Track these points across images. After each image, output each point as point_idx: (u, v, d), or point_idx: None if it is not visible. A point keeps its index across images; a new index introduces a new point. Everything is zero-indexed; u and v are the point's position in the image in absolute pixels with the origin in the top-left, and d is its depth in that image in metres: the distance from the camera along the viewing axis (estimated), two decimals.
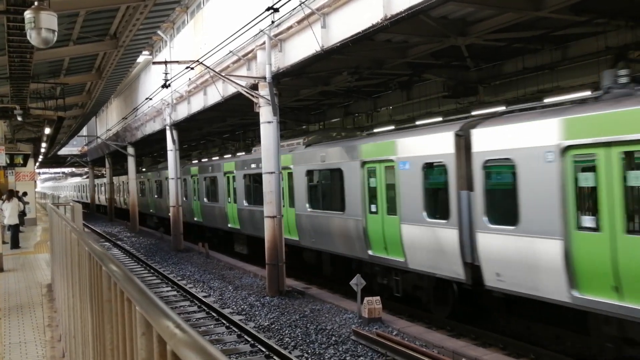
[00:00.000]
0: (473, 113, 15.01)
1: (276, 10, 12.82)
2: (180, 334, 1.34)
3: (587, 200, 8.42)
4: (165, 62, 18.16)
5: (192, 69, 17.33)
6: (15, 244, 18.97)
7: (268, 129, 14.97)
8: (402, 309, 12.83)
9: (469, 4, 10.63)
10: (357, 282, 12.21)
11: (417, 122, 17.33)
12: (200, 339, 1.26)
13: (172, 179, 25.65)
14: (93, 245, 3.28)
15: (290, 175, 17.30)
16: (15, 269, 14.55)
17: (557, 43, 13.57)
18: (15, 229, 19.11)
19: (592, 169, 8.17)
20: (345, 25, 11.49)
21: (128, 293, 2.00)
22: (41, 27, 7.55)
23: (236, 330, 11.96)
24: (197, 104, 21.57)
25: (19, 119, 17.56)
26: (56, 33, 7.91)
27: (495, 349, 9.97)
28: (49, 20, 7.71)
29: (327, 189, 16.02)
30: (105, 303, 2.64)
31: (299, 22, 13.11)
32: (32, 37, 7.76)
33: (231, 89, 16.89)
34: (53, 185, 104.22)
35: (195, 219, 26.69)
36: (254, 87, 15.17)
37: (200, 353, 1.19)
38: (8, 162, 24.07)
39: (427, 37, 12.59)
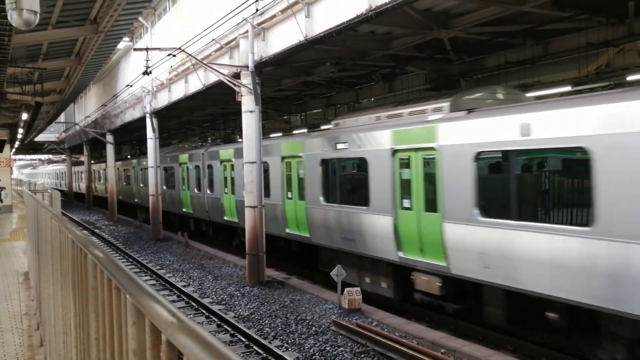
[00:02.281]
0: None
1: None
2: (176, 322, 1.32)
3: (406, 188, 11.50)
4: (147, 49, 17.94)
5: (174, 56, 17.14)
6: None
7: (250, 118, 14.89)
8: (382, 300, 12.89)
9: None
10: (337, 272, 12.24)
11: None
12: (196, 327, 1.25)
13: (152, 167, 25.42)
14: (76, 232, 3.23)
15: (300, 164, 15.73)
16: None
17: (539, 38, 13.67)
18: None
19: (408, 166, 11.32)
20: (330, 15, 11.43)
21: (117, 281, 1.96)
22: (23, 8, 7.37)
23: (216, 320, 11.94)
24: (178, 92, 21.36)
25: None
26: (38, 15, 7.74)
27: (474, 340, 10.08)
28: (31, 0, 7.54)
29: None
30: (90, 291, 2.60)
31: (282, 11, 13.02)
32: (13, 18, 7.57)
33: (213, 78, 16.74)
34: (30, 172, 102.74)
35: (226, 217, 21.00)
36: (236, 75, 15.06)
37: (199, 341, 1.18)
38: None
39: (410, 29, 12.59)
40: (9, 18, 7.75)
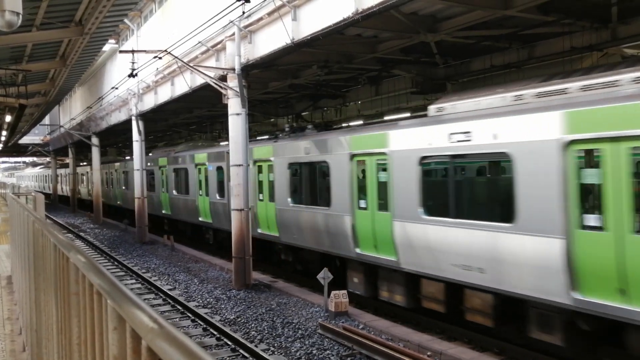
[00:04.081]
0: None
1: (247, 0, 12.69)
2: (157, 328, 1.30)
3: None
4: (133, 51, 17.83)
5: (160, 58, 17.06)
6: None
7: (236, 120, 14.84)
8: (368, 303, 12.89)
9: (439, 0, 10.70)
10: (324, 275, 12.23)
11: None
12: (178, 333, 1.23)
13: (137, 170, 25.26)
14: (58, 236, 3.19)
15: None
16: None
17: (524, 42, 13.78)
18: None
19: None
20: (317, 18, 11.44)
21: (98, 286, 1.93)
22: (5, 9, 7.29)
23: (202, 323, 11.86)
24: (164, 94, 21.26)
25: None
26: (20, 16, 7.66)
27: (460, 343, 10.10)
28: (13, 2, 7.46)
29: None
30: (72, 296, 2.56)
31: (269, 13, 13.01)
32: None
33: (199, 80, 16.68)
34: (16, 175, 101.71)
35: (260, 230, 17.06)
36: (223, 78, 15.01)
37: (179, 348, 1.16)
38: None
39: (397, 32, 12.63)
40: None
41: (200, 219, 21.84)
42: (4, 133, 29.27)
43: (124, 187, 33.53)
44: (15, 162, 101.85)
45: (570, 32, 12.39)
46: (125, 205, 33.43)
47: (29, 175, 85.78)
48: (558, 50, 13.17)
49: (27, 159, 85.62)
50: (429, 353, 9.48)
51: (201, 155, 21.43)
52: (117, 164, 35.50)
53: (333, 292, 11.92)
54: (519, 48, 14.06)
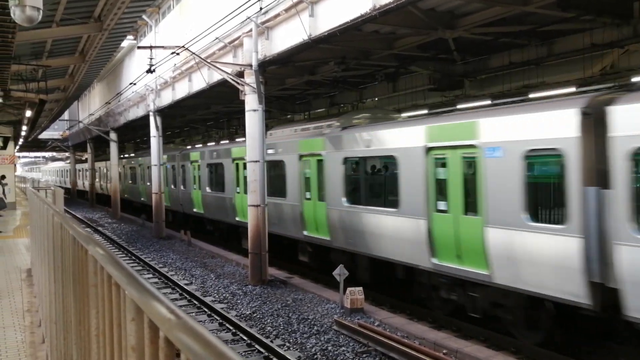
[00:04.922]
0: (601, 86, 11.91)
1: None
2: (174, 319, 1.31)
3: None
4: (151, 47, 17.94)
5: (178, 54, 17.14)
6: None
7: (253, 117, 14.89)
8: (384, 300, 12.87)
9: None
10: (339, 272, 12.23)
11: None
12: (194, 324, 1.24)
13: (155, 165, 25.46)
14: (77, 229, 3.23)
15: (319, 162, 14.81)
16: None
17: (543, 38, 13.64)
18: None
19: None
20: (334, 14, 11.42)
21: (116, 277, 1.96)
22: (26, 4, 7.38)
23: (218, 318, 11.93)
24: (182, 90, 21.37)
25: (0, 100, 17.25)
26: (41, 11, 7.74)
27: (476, 341, 10.06)
28: None
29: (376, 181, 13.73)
30: (90, 288, 2.59)
31: (286, 10, 13.01)
32: (16, 14, 7.59)
33: (216, 76, 16.75)
34: (42, 169, 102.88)
35: (307, 232, 15.63)
36: (240, 74, 15.06)
37: (196, 338, 1.17)
38: None
39: (414, 29, 12.57)
40: (12, 14, 7.76)
41: (237, 219, 20.11)
42: (25, 128, 29.61)
43: (208, 189, 30.23)
44: (35, 157, 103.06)
45: (591, 28, 12.24)
46: (212, 215, 26.78)
47: (48, 170, 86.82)
48: (578, 47, 13.02)
49: (47, 154, 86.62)
50: (444, 351, 9.45)
51: (239, 150, 19.32)
52: (141, 158, 33.86)
53: (349, 289, 11.92)
54: (538, 45, 13.92)
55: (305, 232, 15.55)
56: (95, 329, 2.55)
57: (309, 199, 15.37)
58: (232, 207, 20.39)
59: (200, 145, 29.05)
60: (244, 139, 17.06)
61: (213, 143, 29.04)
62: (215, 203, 22.29)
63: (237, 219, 20.05)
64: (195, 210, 24.76)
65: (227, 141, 26.76)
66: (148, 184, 29.62)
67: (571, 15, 11.29)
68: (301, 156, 15.61)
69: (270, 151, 16.58)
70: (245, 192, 16.46)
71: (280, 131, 17.92)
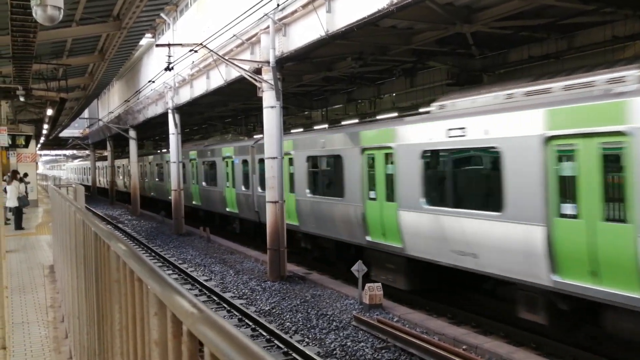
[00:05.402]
0: None
1: None
2: (197, 313, 1.33)
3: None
4: (169, 45, 18.08)
5: (196, 52, 17.23)
6: (18, 225, 19.08)
7: (271, 113, 14.92)
8: (403, 296, 12.85)
9: None
10: (358, 268, 12.23)
11: None
12: (217, 318, 1.25)
13: (174, 162, 25.65)
14: (99, 225, 3.27)
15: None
16: (17, 249, 14.57)
17: (563, 32, 13.48)
18: (18, 211, 19.22)
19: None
20: (351, 10, 11.40)
21: (139, 272, 1.98)
22: (47, 4, 7.47)
23: (237, 314, 12.01)
24: (200, 87, 21.50)
25: (22, 99, 17.51)
26: (62, 11, 7.83)
27: (496, 337, 10.00)
28: None
29: None
30: (113, 283, 2.63)
31: (303, 6, 13.02)
32: (38, 14, 7.69)
33: (234, 73, 16.82)
34: (66, 167, 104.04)
35: (370, 238, 13.48)
36: (257, 71, 15.10)
37: (219, 331, 1.18)
38: (10, 143, 23.99)
39: (432, 23, 12.50)
40: (33, 14, 7.87)
41: (368, 238, 14.94)
42: (46, 126, 30.00)
43: (204, 184, 27.84)
44: (56, 155, 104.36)
45: (612, 20, 12.06)
46: (208, 207, 26.98)
47: (70, 168, 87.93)
48: (599, 40, 12.84)
49: (67, 152, 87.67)
50: (464, 347, 9.41)
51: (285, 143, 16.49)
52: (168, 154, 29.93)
53: (367, 285, 11.92)
54: (557, 38, 13.76)
55: None
56: (118, 323, 2.58)
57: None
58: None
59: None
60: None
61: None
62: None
63: (368, 238, 13.78)
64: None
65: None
66: (207, 184, 25.49)
67: (592, 7, 11.14)
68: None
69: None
70: (388, 199, 12.80)
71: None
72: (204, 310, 1.32)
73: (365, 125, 14.54)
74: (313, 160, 15.97)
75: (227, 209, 22.33)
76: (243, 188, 21.12)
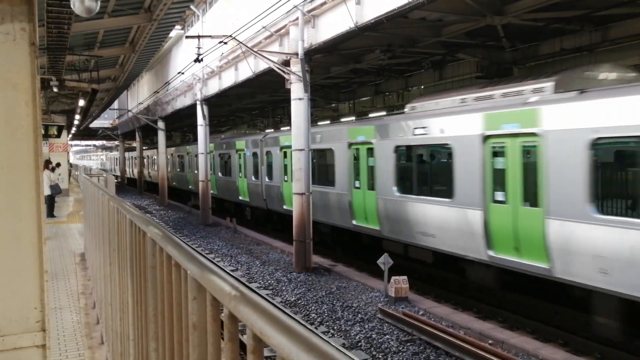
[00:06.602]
0: None
1: None
2: (238, 295, 1.35)
3: None
4: (199, 37, 18.19)
5: (225, 43, 17.32)
6: (50, 213, 19.49)
7: (299, 105, 14.95)
8: (428, 289, 12.81)
9: None
10: (384, 261, 12.23)
11: None
12: (259, 299, 1.28)
13: (202, 153, 25.89)
14: (135, 212, 3.33)
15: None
16: (49, 237, 14.88)
17: (597, 24, 13.22)
18: (50, 199, 19.61)
19: None
20: (380, 1, 11.33)
21: (176, 257, 2.02)
22: None
23: None
24: (228, 79, 21.62)
25: (55, 90, 17.82)
26: (99, 2, 7.97)
27: (523, 332, 9.92)
28: None
29: None
30: (148, 269, 2.67)
31: None
32: (76, 5, 7.83)
33: (262, 65, 16.87)
34: (84, 157, 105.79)
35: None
36: (286, 63, 15.13)
37: (262, 312, 1.21)
38: (43, 133, 24.38)
39: (462, 15, 12.38)
40: (72, 6, 8.01)
41: (354, 222, 15.44)
42: (77, 117, 30.49)
43: (220, 174, 27.98)
44: (86, 145, 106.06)
45: None
46: (223, 195, 27.46)
47: (112, 157, 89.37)
48: (636, 32, 12.57)
49: (97, 142, 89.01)
50: (490, 341, 9.36)
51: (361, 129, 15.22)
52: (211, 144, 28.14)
53: (393, 278, 11.91)
54: (591, 30, 13.50)
55: None
56: (152, 309, 2.63)
57: None
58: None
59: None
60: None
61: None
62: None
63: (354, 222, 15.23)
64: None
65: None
66: (223, 175, 26.29)
67: None
68: None
69: None
70: (370, 187, 14.29)
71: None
72: (244, 292, 1.35)
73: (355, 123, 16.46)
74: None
75: (240, 197, 23.86)
76: (253, 178, 22.54)
